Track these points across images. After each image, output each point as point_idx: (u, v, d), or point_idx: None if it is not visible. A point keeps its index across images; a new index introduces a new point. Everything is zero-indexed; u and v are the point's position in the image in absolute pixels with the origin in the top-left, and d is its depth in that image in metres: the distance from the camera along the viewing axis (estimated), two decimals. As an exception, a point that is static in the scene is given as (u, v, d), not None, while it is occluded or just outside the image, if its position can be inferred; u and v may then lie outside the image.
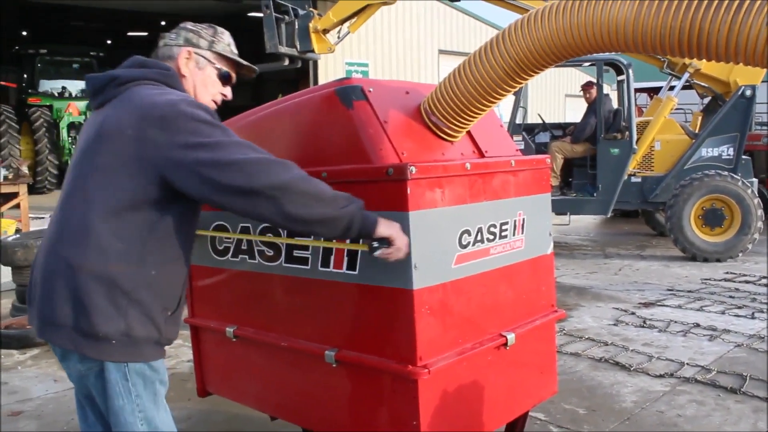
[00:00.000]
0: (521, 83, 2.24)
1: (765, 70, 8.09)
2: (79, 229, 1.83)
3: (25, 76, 17.53)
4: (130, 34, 22.61)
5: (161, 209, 1.85)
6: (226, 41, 2.14)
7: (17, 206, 8.93)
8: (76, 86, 17.52)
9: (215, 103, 2.13)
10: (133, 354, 1.88)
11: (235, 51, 2.18)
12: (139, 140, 1.79)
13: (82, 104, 16.81)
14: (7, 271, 5.84)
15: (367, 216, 1.91)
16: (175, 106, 1.82)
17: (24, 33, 20.67)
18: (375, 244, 1.94)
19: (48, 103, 16.50)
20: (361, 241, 2.06)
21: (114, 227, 1.81)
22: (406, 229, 2.03)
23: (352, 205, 1.88)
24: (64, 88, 17.32)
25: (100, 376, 1.89)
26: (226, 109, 2.10)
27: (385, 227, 1.94)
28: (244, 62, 2.18)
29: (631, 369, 4.39)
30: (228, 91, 2.17)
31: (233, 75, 2.18)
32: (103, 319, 1.80)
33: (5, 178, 8.93)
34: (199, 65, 2.08)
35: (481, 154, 2.51)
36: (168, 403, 4.07)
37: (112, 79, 1.95)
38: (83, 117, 16.43)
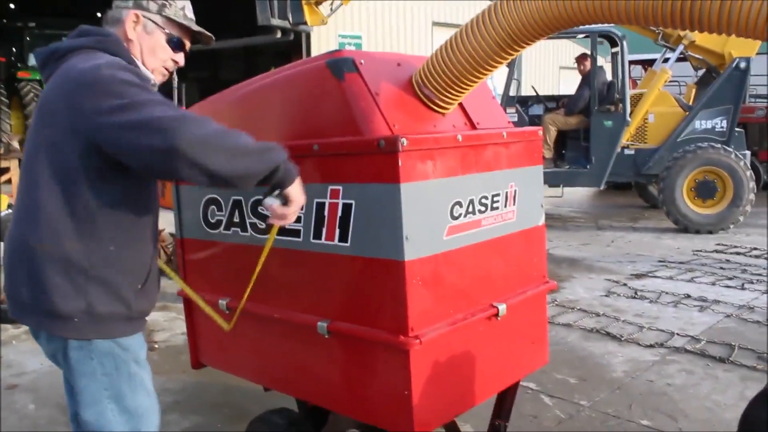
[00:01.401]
0: (513, 55, 2.23)
1: (760, 42, 8.06)
2: (31, 208, 1.81)
3: (14, 50, 17.30)
4: (119, 5, 22.30)
5: (105, 181, 1.79)
6: (178, 5, 2.02)
7: (8, 181, 8.90)
8: (66, 60, 17.30)
9: (166, 69, 2.04)
10: (100, 331, 1.84)
11: (191, 15, 2.06)
12: (68, 110, 1.75)
13: (73, 78, 16.63)
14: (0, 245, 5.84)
15: (289, 170, 1.84)
16: (95, 70, 1.75)
17: (11, 6, 20.36)
18: (276, 193, 1.87)
19: (38, 77, 16.28)
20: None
21: (62, 204, 1.78)
22: (397, 201, 2.04)
23: (275, 154, 1.80)
24: (54, 61, 17.12)
25: (66, 355, 1.87)
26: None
27: (297, 190, 1.88)
28: (197, 28, 2.06)
29: (622, 339, 4.45)
30: (180, 58, 2.05)
31: (186, 41, 2.06)
32: (62, 298, 1.79)
33: (-4, 153, 8.89)
34: (147, 29, 1.97)
35: (473, 126, 2.50)
36: (162, 375, 4.11)
37: (52, 53, 1.89)
38: (74, 91, 16.29)
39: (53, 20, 17.98)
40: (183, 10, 2.03)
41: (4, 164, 8.89)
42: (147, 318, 2.04)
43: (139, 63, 1.96)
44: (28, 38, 17.12)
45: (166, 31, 2.00)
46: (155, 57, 1.99)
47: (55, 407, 3.57)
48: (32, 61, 16.86)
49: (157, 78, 2.03)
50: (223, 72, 23.40)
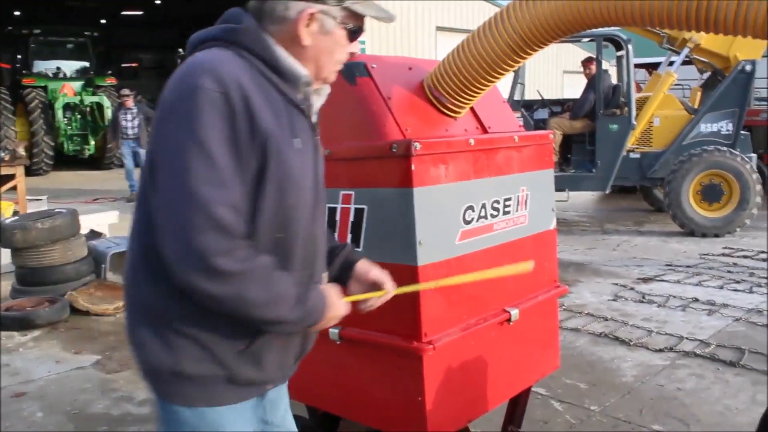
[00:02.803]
0: (525, 58, 2.23)
1: (766, 44, 8.05)
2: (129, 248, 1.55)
3: (19, 56, 17.37)
4: (124, 12, 22.40)
5: None
6: None
7: (14, 188, 8.91)
8: (70, 67, 17.40)
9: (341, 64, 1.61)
10: (185, 395, 1.49)
11: None
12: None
13: (77, 85, 16.69)
14: (6, 253, 5.83)
15: (308, 318, 1.51)
16: (188, 83, 1.38)
17: (17, 13, 20.46)
18: None
19: (43, 84, 16.39)
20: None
21: (138, 233, 1.50)
22: (410, 206, 2.02)
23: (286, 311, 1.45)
24: (58, 68, 17.21)
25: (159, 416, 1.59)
26: None
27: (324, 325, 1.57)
28: (385, 13, 1.62)
29: (631, 343, 4.42)
30: (356, 47, 1.62)
31: (364, 25, 1.61)
32: (149, 351, 1.48)
33: (1, 160, 8.90)
34: (324, 29, 1.50)
35: (485, 130, 2.49)
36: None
37: (188, 45, 1.54)
38: (78, 98, 16.31)
39: (58, 27, 18.07)
40: None
41: (9, 171, 8.91)
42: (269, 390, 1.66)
43: (292, 62, 1.51)
44: (32, 45, 17.20)
45: (349, 26, 1.54)
46: (332, 60, 1.56)
47: (63, 414, 3.56)
48: (37, 67, 16.94)
49: (331, 78, 1.60)
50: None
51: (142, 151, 11.54)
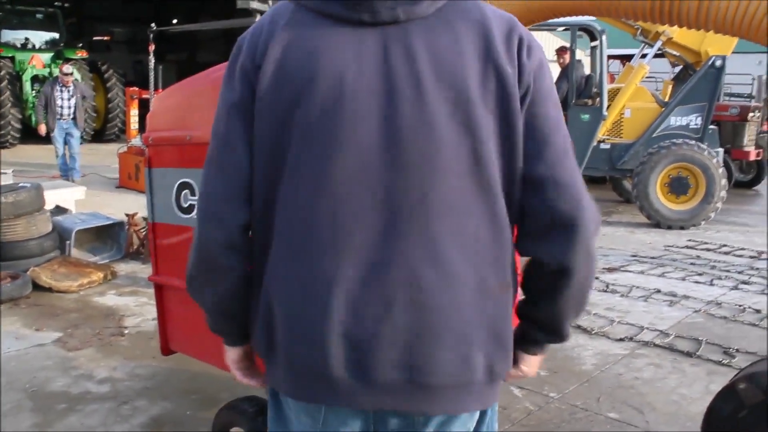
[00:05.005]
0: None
1: (735, 40, 8.16)
2: (459, 223, 1.24)
3: (-15, 26, 16.92)
4: (96, -16, 21.91)
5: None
6: None
7: (-22, 160, 8.71)
8: (40, 38, 16.96)
9: None
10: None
11: None
12: (495, 69, 1.23)
13: (46, 56, 16.30)
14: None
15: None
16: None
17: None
18: None
19: (10, 55, 15.96)
20: None
21: (502, 207, 1.30)
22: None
23: None
24: (27, 39, 16.76)
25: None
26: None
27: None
28: None
29: (593, 332, 4.49)
30: None
31: None
32: (503, 356, 1.28)
33: (-35, 130, 8.69)
34: None
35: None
36: (132, 360, 4.08)
37: None
38: (47, 70, 15.94)
39: (27, -4, 17.61)
40: None
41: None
42: None
43: None
44: (0, 14, 16.75)
45: None
46: None
47: (21, 392, 3.51)
48: (4, 37, 16.51)
49: None
50: (201, 54, 23.14)
51: (77, 134, 10.55)
